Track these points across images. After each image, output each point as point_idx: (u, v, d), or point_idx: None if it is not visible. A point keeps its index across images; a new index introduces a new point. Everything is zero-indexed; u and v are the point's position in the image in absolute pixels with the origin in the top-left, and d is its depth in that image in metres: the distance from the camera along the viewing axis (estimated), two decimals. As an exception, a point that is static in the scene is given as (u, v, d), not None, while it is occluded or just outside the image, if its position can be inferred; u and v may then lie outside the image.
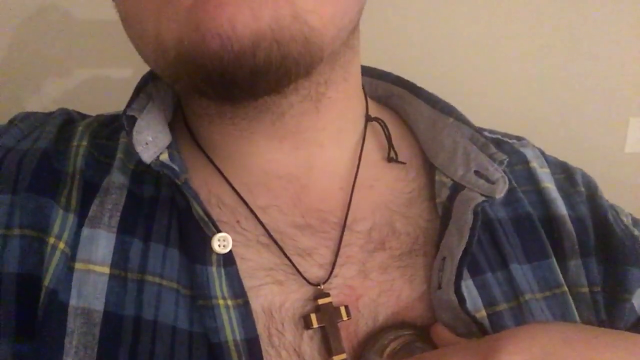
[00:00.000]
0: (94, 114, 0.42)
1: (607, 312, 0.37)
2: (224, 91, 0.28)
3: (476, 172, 0.37)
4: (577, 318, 0.36)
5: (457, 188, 0.37)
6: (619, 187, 0.67)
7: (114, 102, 0.44)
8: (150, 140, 0.33)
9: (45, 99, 0.59)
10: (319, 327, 0.32)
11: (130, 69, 0.59)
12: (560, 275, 0.36)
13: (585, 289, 0.37)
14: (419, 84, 0.43)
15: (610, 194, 0.43)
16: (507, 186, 0.35)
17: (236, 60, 0.25)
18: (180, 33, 0.26)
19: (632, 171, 0.70)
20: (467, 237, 0.33)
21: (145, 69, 0.36)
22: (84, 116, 0.42)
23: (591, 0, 0.63)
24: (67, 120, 0.39)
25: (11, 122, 0.38)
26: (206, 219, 0.32)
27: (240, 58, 0.25)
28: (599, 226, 0.39)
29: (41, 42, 0.58)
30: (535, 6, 0.63)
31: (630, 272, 0.37)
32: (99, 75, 0.59)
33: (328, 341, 0.32)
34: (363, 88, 0.40)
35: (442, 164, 0.39)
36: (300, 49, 0.26)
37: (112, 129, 0.39)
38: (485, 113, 0.59)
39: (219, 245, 0.32)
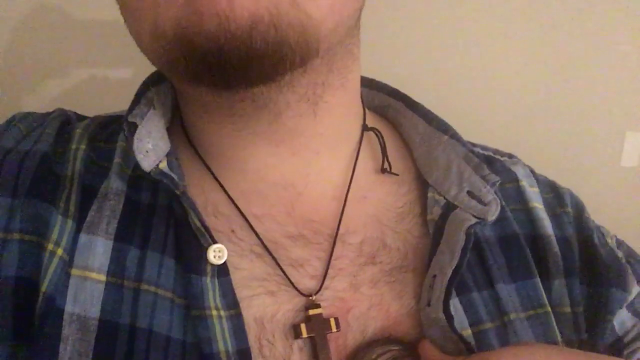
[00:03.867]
0: (92, 114, 0.42)
1: (588, 332, 0.37)
2: (220, 75, 0.28)
3: (469, 193, 0.37)
4: (559, 338, 0.36)
5: (449, 207, 0.37)
6: (614, 201, 0.67)
7: (112, 103, 0.44)
8: (151, 148, 0.34)
9: (43, 99, 0.58)
10: (308, 337, 0.33)
11: (128, 69, 0.59)
12: (544, 295, 0.37)
13: (568, 309, 0.37)
14: (414, 94, 0.43)
15: (605, 207, 0.43)
16: (499, 209, 0.36)
17: (233, 41, 0.26)
18: (178, 15, 0.26)
19: (628, 185, 0.70)
20: (458, 257, 0.33)
21: (143, 69, 0.37)
22: (80, 117, 0.42)
23: (588, 13, 0.63)
24: (65, 122, 0.40)
25: (10, 122, 0.38)
26: (203, 230, 0.32)
27: (237, 39, 0.26)
28: (584, 247, 0.40)
29: (38, 43, 0.57)
30: (530, 19, 0.63)
31: (612, 293, 0.37)
32: (97, 75, 0.59)
33: (317, 353, 0.33)
34: (361, 98, 0.40)
35: (435, 182, 0.39)
36: (297, 36, 0.27)
37: (109, 132, 0.39)
38: (480, 126, 0.60)
39: (215, 257, 0.32)
